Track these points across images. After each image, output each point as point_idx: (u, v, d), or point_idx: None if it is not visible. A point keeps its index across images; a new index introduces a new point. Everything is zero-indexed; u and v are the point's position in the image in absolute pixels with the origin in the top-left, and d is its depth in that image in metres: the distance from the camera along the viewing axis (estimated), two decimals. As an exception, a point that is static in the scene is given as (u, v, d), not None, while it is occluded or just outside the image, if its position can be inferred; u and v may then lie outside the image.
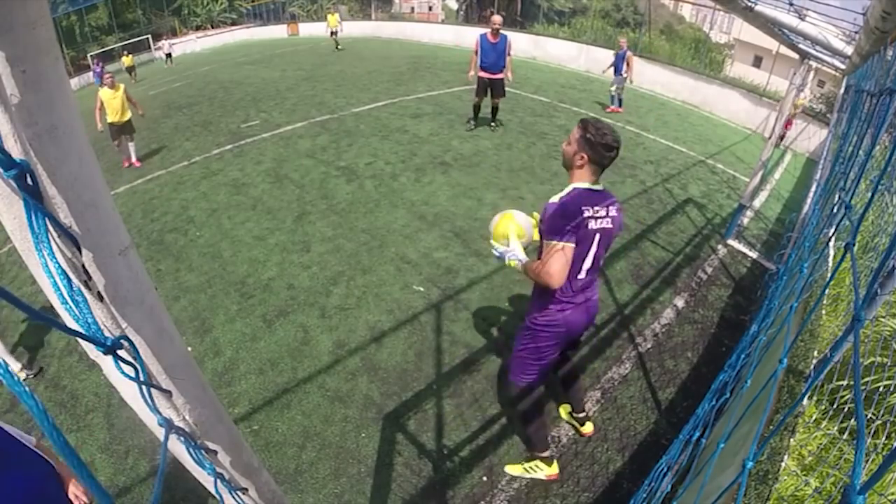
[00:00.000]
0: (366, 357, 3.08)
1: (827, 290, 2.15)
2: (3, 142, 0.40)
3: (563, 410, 2.70)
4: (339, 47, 16.06)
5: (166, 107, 9.62)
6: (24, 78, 0.41)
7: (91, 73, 17.25)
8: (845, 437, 1.52)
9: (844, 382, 1.68)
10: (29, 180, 0.38)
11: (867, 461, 1.43)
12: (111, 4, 22.76)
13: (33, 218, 0.39)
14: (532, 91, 9.87)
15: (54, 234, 0.45)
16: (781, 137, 8.59)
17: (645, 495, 1.64)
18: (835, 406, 1.63)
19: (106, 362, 0.56)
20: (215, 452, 0.77)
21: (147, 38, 22.73)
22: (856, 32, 2.57)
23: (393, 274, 3.87)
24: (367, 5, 25.42)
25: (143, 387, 0.53)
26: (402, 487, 2.32)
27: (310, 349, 3.15)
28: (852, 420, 1.54)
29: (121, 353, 0.47)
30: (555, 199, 1.88)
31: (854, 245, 0.71)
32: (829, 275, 2.27)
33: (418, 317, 3.42)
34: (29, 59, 0.41)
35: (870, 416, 1.50)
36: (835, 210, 1.82)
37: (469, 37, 13.39)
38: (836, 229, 2.00)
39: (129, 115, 6.39)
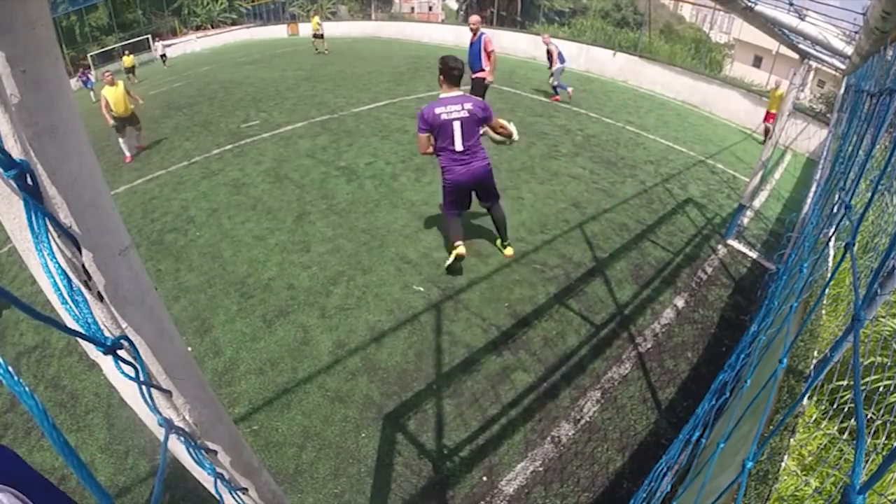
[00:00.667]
0: (366, 357, 3.08)
1: (827, 290, 2.15)
2: (3, 142, 0.40)
3: (498, 242, 4.08)
4: (319, 51, 15.08)
5: (166, 107, 9.62)
6: (24, 78, 0.41)
7: (77, 79, 16.71)
8: (845, 437, 1.52)
9: (844, 382, 1.68)
10: (29, 180, 0.38)
11: (867, 461, 1.43)
12: (111, 4, 22.77)
13: (33, 218, 0.39)
14: (532, 91, 9.87)
15: (54, 234, 0.45)
16: (767, 131, 8.74)
17: (645, 495, 1.64)
18: (835, 406, 1.63)
19: (106, 362, 0.56)
20: (215, 452, 0.77)
21: (147, 38, 22.73)
22: (856, 32, 2.57)
23: (393, 274, 3.87)
24: (367, 5, 25.42)
25: (143, 387, 0.53)
26: (402, 487, 2.32)
27: (310, 349, 3.15)
28: (852, 420, 1.54)
29: (121, 353, 0.47)
30: (424, 106, 3.19)
31: (854, 245, 0.71)
32: (829, 275, 2.27)
33: (418, 317, 3.43)
34: (29, 59, 0.41)
35: (870, 416, 1.50)
36: (835, 210, 1.83)
37: (469, 37, 13.35)
38: (835, 229, 2.00)
39: (131, 107, 6.96)
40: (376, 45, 16.89)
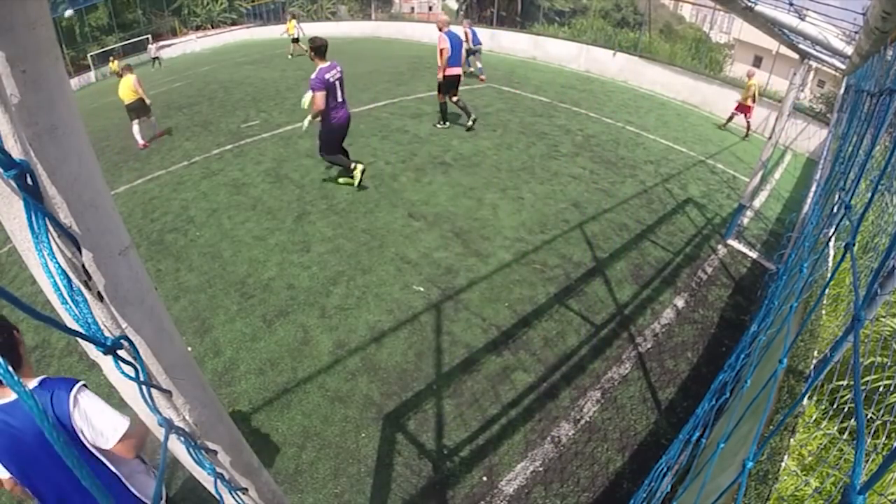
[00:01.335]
0: (366, 357, 3.08)
1: (827, 290, 2.15)
2: (3, 142, 0.40)
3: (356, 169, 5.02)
4: (292, 55, 14.50)
5: (166, 107, 9.61)
6: (24, 78, 0.41)
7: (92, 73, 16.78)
8: (845, 437, 1.51)
9: (844, 382, 1.68)
10: (29, 180, 0.38)
11: (867, 461, 1.43)
12: (111, 4, 22.76)
13: (33, 218, 0.39)
14: (532, 91, 9.86)
15: (54, 234, 0.45)
16: (730, 119, 8.91)
17: (645, 495, 1.64)
18: (835, 406, 1.63)
19: (106, 362, 0.56)
20: (215, 452, 0.77)
21: (147, 38, 22.69)
22: (856, 32, 2.57)
23: (393, 274, 3.87)
24: (367, 5, 25.39)
25: (143, 387, 0.53)
26: (402, 487, 2.32)
27: (310, 349, 3.15)
28: (852, 420, 1.54)
29: (121, 353, 0.47)
30: (313, 75, 4.37)
31: (854, 245, 0.71)
32: (829, 275, 2.27)
33: (418, 317, 3.43)
34: (29, 59, 0.41)
35: (870, 416, 1.50)
36: (835, 210, 1.83)
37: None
38: (835, 229, 2.00)
39: (138, 96, 7.38)
40: (376, 45, 16.88)
